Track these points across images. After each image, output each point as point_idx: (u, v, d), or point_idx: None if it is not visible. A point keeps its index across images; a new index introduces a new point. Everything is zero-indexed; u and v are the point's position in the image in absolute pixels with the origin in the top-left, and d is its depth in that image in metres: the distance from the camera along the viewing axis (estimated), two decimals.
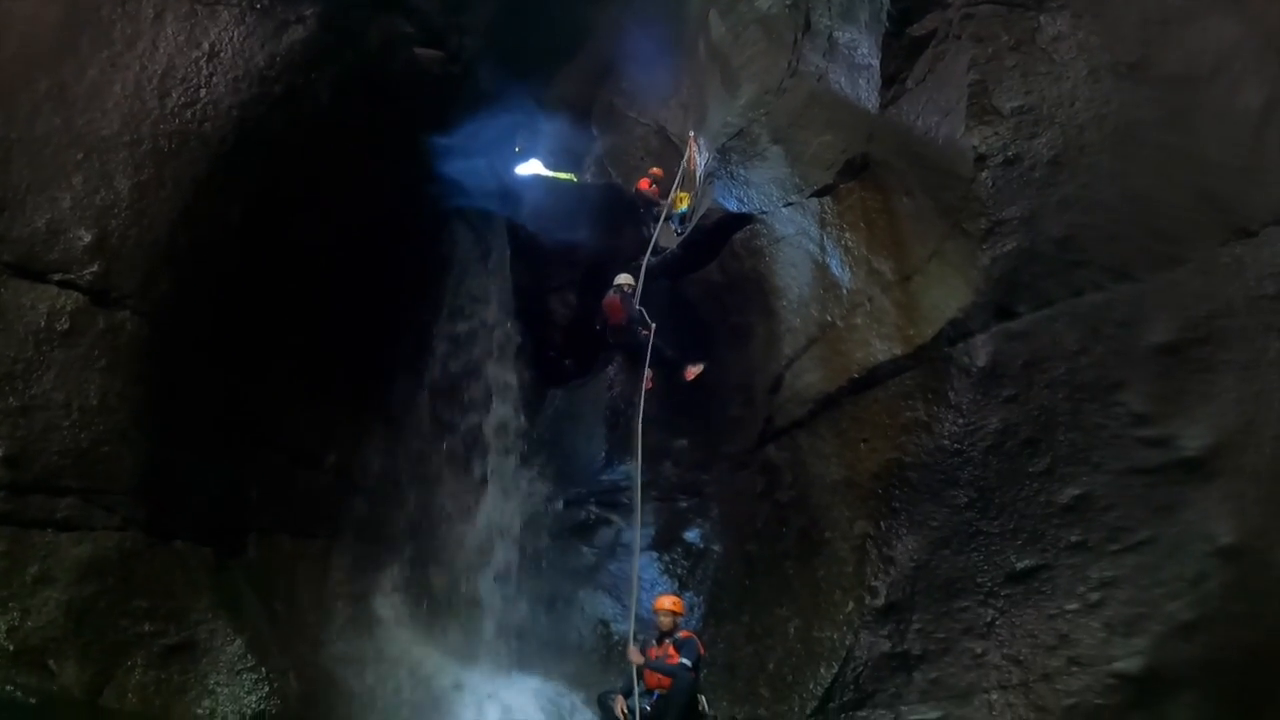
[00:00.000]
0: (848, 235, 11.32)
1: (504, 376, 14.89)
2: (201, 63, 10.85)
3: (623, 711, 10.61)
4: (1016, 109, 9.89)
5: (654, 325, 13.74)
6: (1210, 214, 9.61)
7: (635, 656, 10.67)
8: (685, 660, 10.40)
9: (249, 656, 10.03)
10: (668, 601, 10.97)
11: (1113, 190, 9.67)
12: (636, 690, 10.56)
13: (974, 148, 9.93)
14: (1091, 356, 9.46)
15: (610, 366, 14.91)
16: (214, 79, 10.83)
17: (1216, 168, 9.68)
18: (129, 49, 10.72)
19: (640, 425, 12.29)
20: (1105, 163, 9.72)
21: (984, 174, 9.84)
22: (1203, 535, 9.10)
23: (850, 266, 11.13)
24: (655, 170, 16.35)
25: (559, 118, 18.12)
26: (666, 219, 15.00)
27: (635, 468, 12.05)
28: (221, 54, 10.97)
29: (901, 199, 10.91)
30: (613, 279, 14.39)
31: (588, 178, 17.87)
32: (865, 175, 11.44)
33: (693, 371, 13.59)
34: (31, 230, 9.93)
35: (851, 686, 9.55)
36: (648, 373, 13.53)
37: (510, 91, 15.50)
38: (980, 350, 9.65)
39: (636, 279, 14.19)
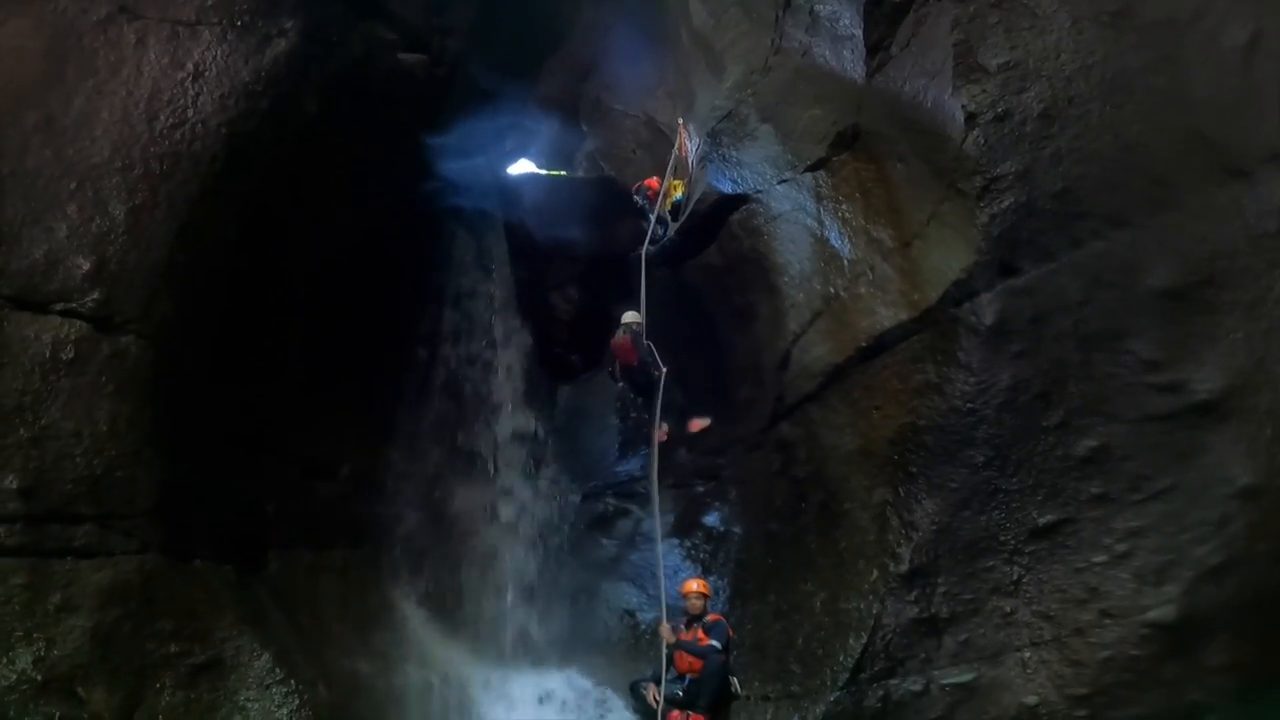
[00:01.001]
0: (844, 206, 11.29)
1: (512, 375, 14.93)
2: (187, 83, 10.83)
3: (655, 698, 10.63)
4: (1003, 65, 9.82)
5: (665, 369, 13.52)
6: (1204, 155, 9.51)
7: (667, 634, 10.72)
8: (714, 642, 10.44)
9: (277, 670, 9.98)
10: (695, 584, 11.02)
11: (1105, 139, 9.59)
12: (665, 676, 10.60)
13: (963, 107, 9.89)
14: (1097, 306, 9.43)
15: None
16: (200, 98, 10.82)
17: (1206, 108, 9.56)
18: (114, 75, 10.71)
19: (655, 474, 12.36)
20: (1095, 112, 9.64)
21: (975, 132, 9.79)
22: (1222, 478, 9.07)
23: (849, 237, 11.11)
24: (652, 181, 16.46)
25: (547, 115, 18.09)
26: (659, 221, 14.88)
27: (654, 512, 12.10)
28: (206, 73, 10.96)
29: (895, 166, 10.88)
30: (618, 317, 14.25)
31: (580, 173, 17.82)
32: (857, 146, 11.42)
33: (697, 424, 13.69)
34: (30, 262, 9.91)
35: (882, 655, 9.51)
36: (663, 425, 13.46)
37: (498, 91, 15.49)
38: (987, 309, 9.62)
39: (637, 272, 14.07)
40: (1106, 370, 9.41)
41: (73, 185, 10.22)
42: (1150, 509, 9.22)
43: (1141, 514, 9.23)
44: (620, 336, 14.24)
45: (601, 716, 10.87)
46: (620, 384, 14.68)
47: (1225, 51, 9.62)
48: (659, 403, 13.39)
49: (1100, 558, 9.27)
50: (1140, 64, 9.75)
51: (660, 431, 13.61)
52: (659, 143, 15.79)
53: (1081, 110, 9.67)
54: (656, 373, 13.60)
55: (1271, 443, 9.09)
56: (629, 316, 14.31)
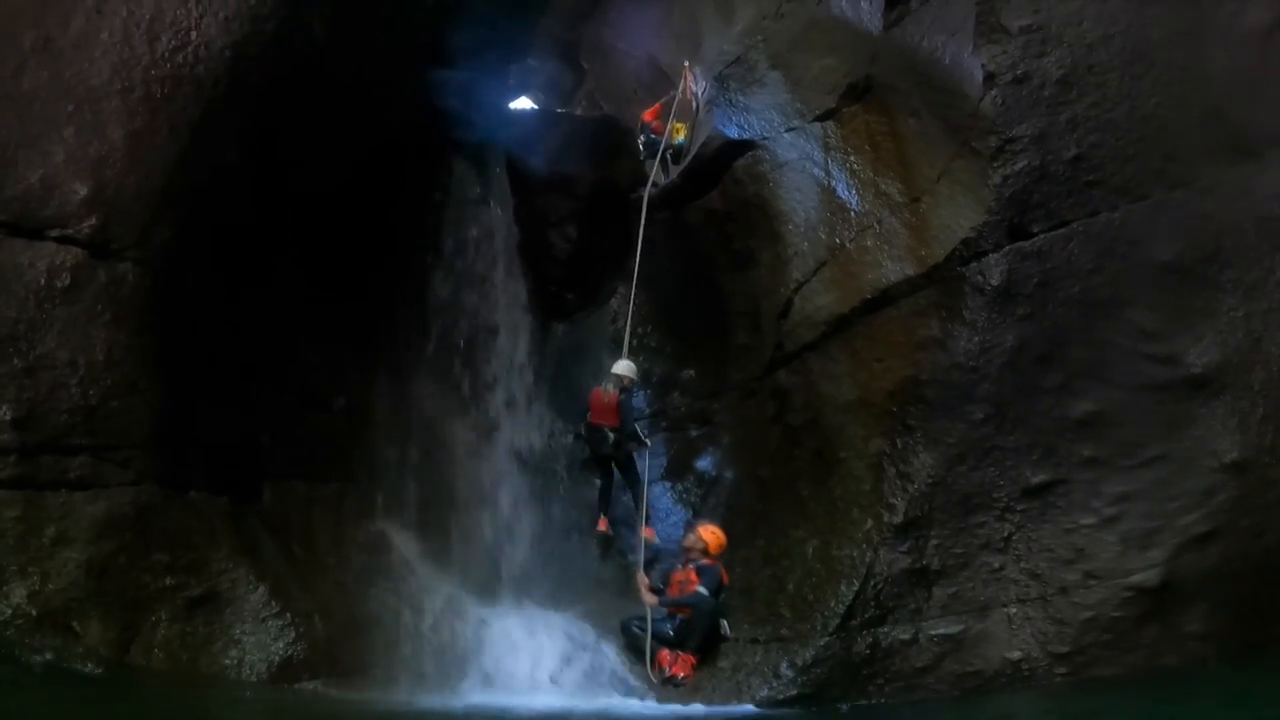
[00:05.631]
0: (853, 158, 11.27)
1: (507, 311, 14.73)
2: (191, 4, 10.38)
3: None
4: (1025, 28, 9.94)
5: (649, 444, 12.85)
6: (1218, 134, 9.85)
7: (651, 601, 11.02)
8: (702, 589, 10.61)
9: (273, 603, 10.03)
10: (710, 531, 11.09)
11: (1122, 109, 9.83)
12: (657, 616, 10.83)
13: (983, 66, 10.02)
14: (1105, 275, 9.73)
15: (613, 299, 14.70)
16: (204, 20, 10.40)
17: (1223, 87, 9.89)
18: None
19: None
20: (1114, 82, 9.87)
21: (993, 92, 9.93)
22: (1210, 451, 9.53)
23: (857, 189, 11.11)
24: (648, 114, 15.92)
25: (549, 51, 17.65)
26: (664, 150, 14.33)
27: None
28: None
29: (907, 120, 10.88)
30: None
31: (579, 111, 17.43)
32: (869, 98, 11.37)
33: (649, 531, 12.28)
34: (25, 187, 9.64)
35: (873, 603, 9.73)
36: (602, 515, 12.87)
37: (501, 25, 15.03)
38: (994, 269, 9.82)
39: (637, 213, 13.57)
40: (1107, 337, 9.74)
41: (70, 108, 9.89)
42: (1140, 475, 9.62)
43: (1131, 479, 9.64)
44: (609, 391, 12.57)
45: (592, 653, 11.01)
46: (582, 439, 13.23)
47: (1246, 33, 10.02)
48: (642, 496, 12.38)
49: (1089, 520, 9.66)
50: (1161, 37, 9.97)
51: (602, 521, 12.91)
52: (661, 84, 15.36)
53: (1100, 79, 9.86)
54: (637, 446, 12.63)
55: (1262, 421, 9.60)
56: (620, 367, 12.78)
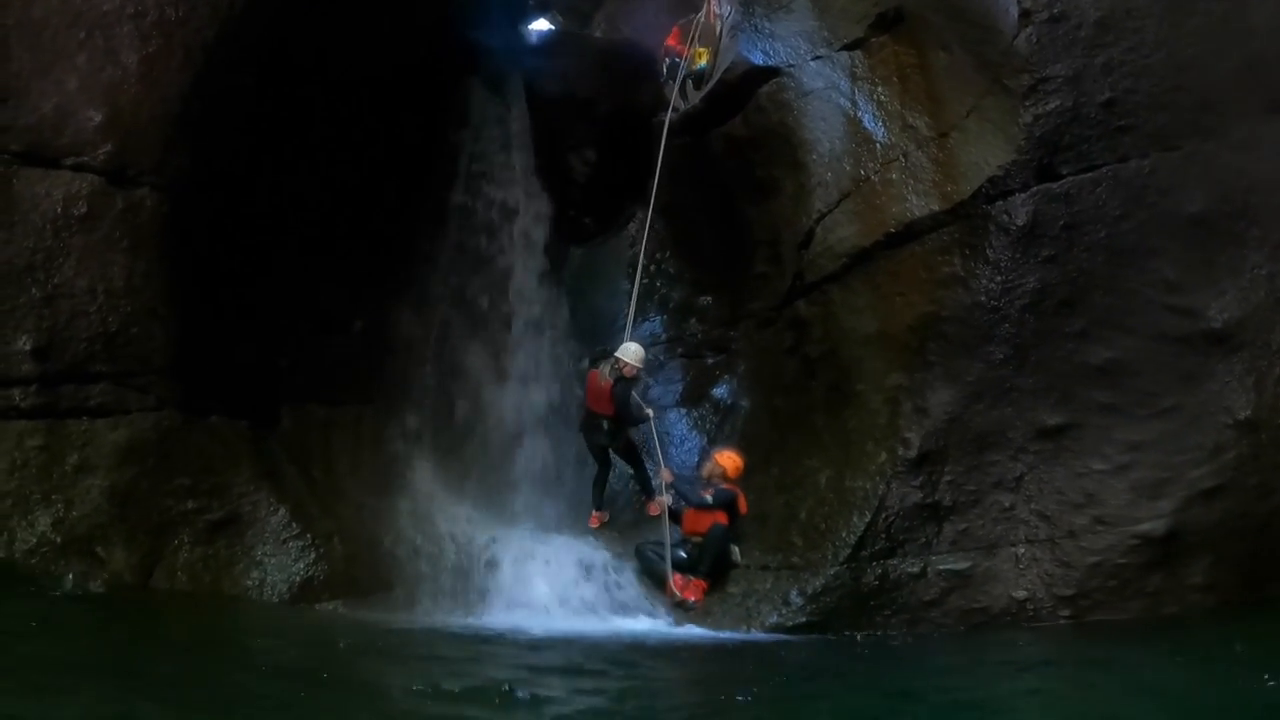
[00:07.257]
0: (880, 89, 11.05)
1: (525, 235, 14.56)
2: None
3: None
4: None
5: (651, 413, 12.08)
6: (1255, 89, 9.70)
7: (656, 510, 11.48)
8: (707, 497, 10.90)
9: (293, 525, 10.27)
10: (727, 456, 11.32)
11: (1159, 56, 9.66)
12: (671, 540, 11.05)
13: (1018, 3, 9.77)
14: (1131, 223, 9.66)
15: (631, 224, 14.46)
16: None
17: (1262, 40, 9.72)
18: None
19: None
20: (1152, 28, 9.67)
21: (1028, 30, 9.72)
22: (1223, 407, 9.61)
23: (884, 121, 10.93)
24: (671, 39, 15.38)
25: None
26: (684, 75, 13.82)
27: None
28: None
29: (938, 54, 10.64)
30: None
31: (598, 33, 16.92)
32: (898, 29, 11.08)
33: (655, 508, 11.85)
34: (39, 116, 9.54)
35: (883, 535, 9.92)
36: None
37: None
38: (1020, 209, 9.78)
39: (657, 138, 13.17)
40: (1130, 285, 9.74)
41: (82, 35, 9.71)
42: (1153, 425, 9.72)
43: (1144, 429, 9.73)
44: (605, 377, 11.77)
45: (607, 576, 11.20)
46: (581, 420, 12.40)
47: None
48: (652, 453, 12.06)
49: (1101, 465, 9.78)
50: None
51: (594, 516, 12.39)
52: (682, 7, 14.78)
53: (1138, 23, 9.66)
54: (637, 415, 11.90)
55: (1277, 381, 9.64)
56: (624, 352, 11.75)
